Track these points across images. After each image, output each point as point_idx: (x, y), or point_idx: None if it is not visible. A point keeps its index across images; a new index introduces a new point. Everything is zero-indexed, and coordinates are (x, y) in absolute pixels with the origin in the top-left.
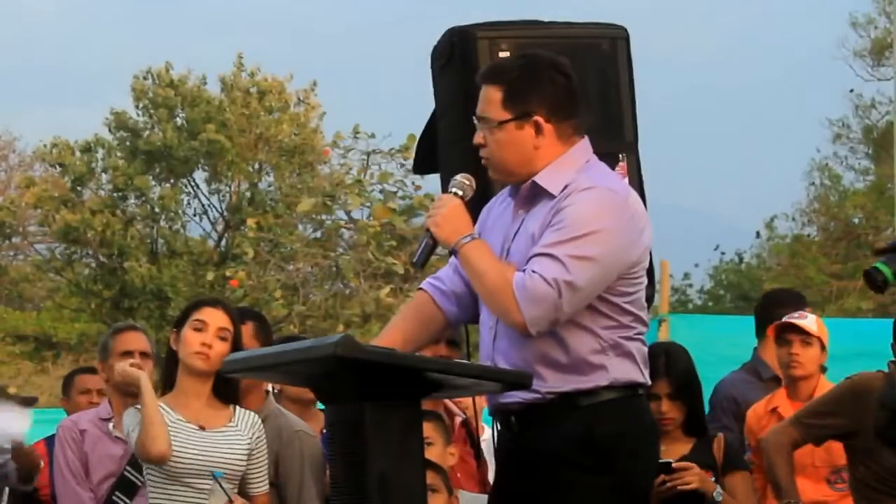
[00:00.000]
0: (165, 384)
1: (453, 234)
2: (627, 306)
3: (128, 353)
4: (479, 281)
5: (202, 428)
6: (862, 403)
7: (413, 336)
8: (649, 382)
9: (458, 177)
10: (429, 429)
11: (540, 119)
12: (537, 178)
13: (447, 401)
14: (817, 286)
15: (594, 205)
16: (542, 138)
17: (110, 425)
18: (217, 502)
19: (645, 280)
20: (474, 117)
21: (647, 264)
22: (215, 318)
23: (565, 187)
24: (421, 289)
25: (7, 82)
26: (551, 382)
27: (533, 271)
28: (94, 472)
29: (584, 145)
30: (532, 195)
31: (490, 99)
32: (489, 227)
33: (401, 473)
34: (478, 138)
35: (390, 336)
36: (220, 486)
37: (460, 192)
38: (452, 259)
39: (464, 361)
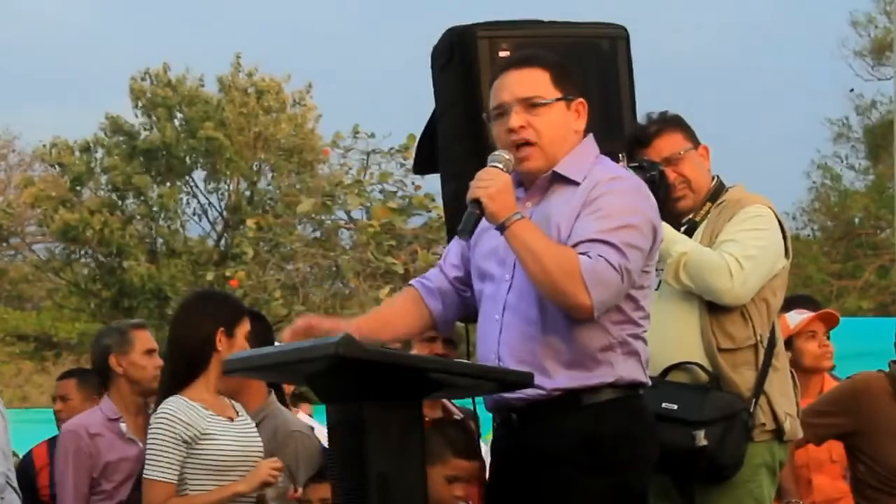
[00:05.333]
0: (186, 378)
1: (504, 209)
2: (641, 300)
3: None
4: (535, 260)
5: (231, 419)
6: (862, 403)
7: (396, 322)
8: (650, 383)
9: (499, 152)
10: (461, 466)
11: (584, 101)
12: (558, 168)
13: (445, 400)
14: (817, 286)
15: (629, 195)
16: (580, 123)
17: (122, 426)
18: (273, 492)
19: (655, 275)
20: (498, 108)
21: (657, 257)
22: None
23: (585, 177)
24: (410, 285)
25: (6, 82)
26: (557, 379)
27: (599, 255)
28: (114, 475)
29: (592, 140)
30: (548, 185)
31: (536, 80)
32: (488, 224)
33: (401, 473)
34: (517, 121)
35: (373, 318)
36: (282, 477)
37: (503, 167)
38: (441, 262)
39: (465, 361)
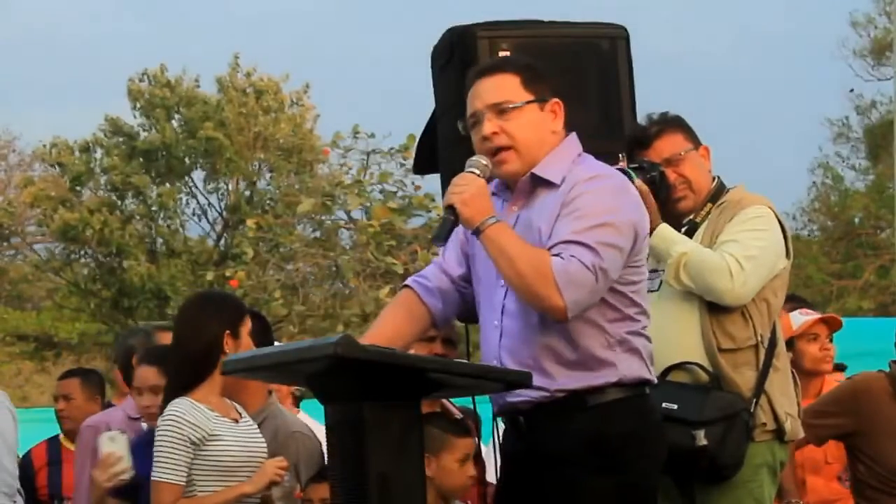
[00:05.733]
0: (193, 381)
1: (479, 214)
2: (634, 296)
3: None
4: (509, 264)
5: (236, 421)
6: (862, 403)
7: (400, 334)
8: (655, 380)
9: (476, 157)
10: (466, 444)
11: (559, 102)
12: (536, 171)
13: (444, 401)
14: (818, 286)
15: (606, 193)
16: (557, 123)
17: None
18: (279, 491)
19: (647, 270)
20: (470, 118)
21: (647, 251)
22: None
23: (564, 178)
24: (406, 286)
25: (6, 82)
26: (561, 380)
27: (571, 255)
28: None
29: (574, 139)
30: (530, 188)
31: (506, 85)
32: None
33: (401, 473)
34: (489, 129)
35: (377, 335)
36: (287, 476)
37: (479, 173)
38: (437, 259)
39: (464, 361)
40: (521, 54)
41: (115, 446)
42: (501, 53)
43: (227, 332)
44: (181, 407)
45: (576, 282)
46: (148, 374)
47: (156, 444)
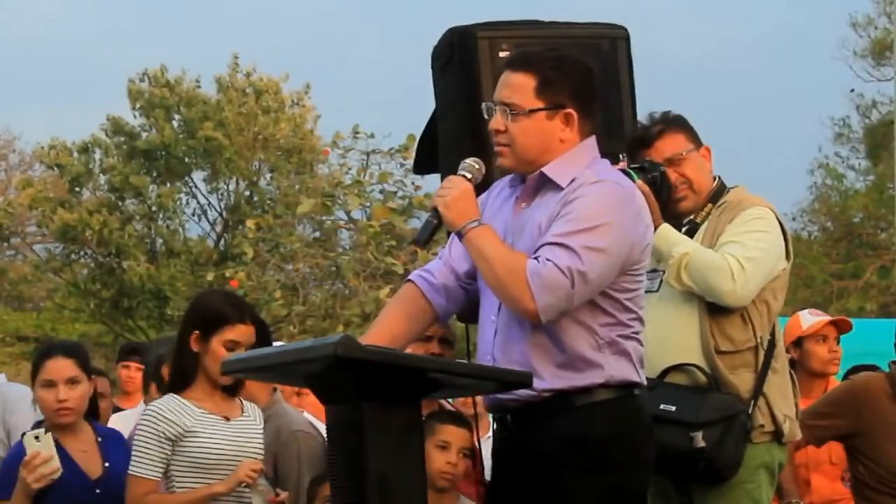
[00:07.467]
0: (179, 382)
1: (461, 217)
2: (629, 303)
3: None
4: (487, 266)
5: (227, 419)
6: (861, 404)
7: (402, 331)
8: (644, 382)
9: (468, 160)
10: (449, 431)
11: (572, 112)
12: (546, 170)
13: (443, 402)
14: (818, 286)
15: (604, 198)
16: (568, 132)
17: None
18: (260, 498)
19: (646, 278)
20: (490, 104)
21: (648, 262)
22: (246, 336)
23: (572, 180)
24: (409, 281)
25: (6, 82)
26: (547, 379)
27: (547, 259)
28: None
29: (591, 143)
30: (538, 186)
31: (520, 86)
32: (487, 218)
33: (401, 473)
34: (496, 124)
35: (379, 332)
36: (264, 481)
37: (469, 176)
38: (443, 252)
39: (463, 361)
40: (556, 48)
41: (41, 446)
42: (501, 54)
43: (197, 331)
44: (164, 403)
45: (548, 285)
46: (63, 366)
47: (134, 438)
